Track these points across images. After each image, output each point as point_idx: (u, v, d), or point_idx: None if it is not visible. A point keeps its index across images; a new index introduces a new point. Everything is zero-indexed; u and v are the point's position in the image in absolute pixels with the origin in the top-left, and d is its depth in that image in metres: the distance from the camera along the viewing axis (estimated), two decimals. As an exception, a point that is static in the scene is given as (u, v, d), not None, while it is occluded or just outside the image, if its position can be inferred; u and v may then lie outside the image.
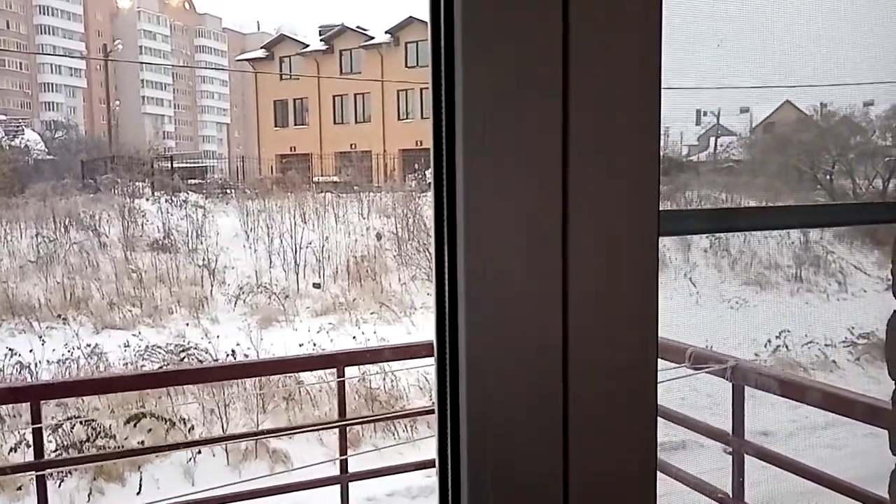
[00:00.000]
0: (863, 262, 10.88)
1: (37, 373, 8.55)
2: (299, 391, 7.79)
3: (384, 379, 7.94)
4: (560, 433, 0.65)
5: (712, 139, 14.09)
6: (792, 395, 2.58)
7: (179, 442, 6.44)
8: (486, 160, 0.62)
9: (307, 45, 29.28)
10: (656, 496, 0.72)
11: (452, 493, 0.67)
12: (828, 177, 11.59)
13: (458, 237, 0.63)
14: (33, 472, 5.90)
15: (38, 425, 2.43)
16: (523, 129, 0.62)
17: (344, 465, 3.26)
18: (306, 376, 7.80)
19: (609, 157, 0.63)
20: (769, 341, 8.16)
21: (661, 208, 0.65)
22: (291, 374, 7.85)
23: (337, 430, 6.99)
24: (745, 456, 2.65)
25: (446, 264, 0.64)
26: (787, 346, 8.26)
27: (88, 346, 9.44)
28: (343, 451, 3.22)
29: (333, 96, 28.22)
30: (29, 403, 2.46)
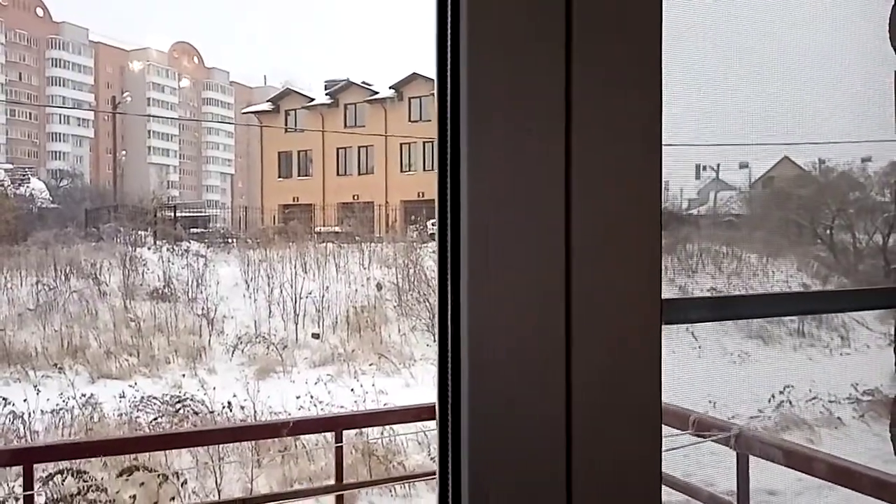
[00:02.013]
0: (865, 316, 10.82)
1: (30, 423, 8.42)
2: (295, 444, 7.65)
3: (382, 433, 7.81)
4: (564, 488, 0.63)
5: (712, 193, 14.20)
6: (796, 466, 2.52)
7: None
8: (487, 245, 0.61)
9: (313, 99, 29.83)
10: None
11: None
12: (827, 231, 11.63)
13: (461, 306, 0.62)
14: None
15: (30, 492, 2.35)
16: (527, 212, 0.62)
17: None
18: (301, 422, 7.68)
19: (613, 247, 0.63)
20: (773, 396, 8.05)
21: (664, 297, 0.64)
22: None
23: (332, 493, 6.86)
24: None
25: (449, 321, 0.63)
26: (790, 402, 8.15)
27: (83, 395, 9.33)
28: None
29: (337, 148, 28.60)
30: (22, 467, 2.38)
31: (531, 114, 0.62)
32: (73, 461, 6.95)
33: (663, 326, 0.64)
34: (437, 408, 0.66)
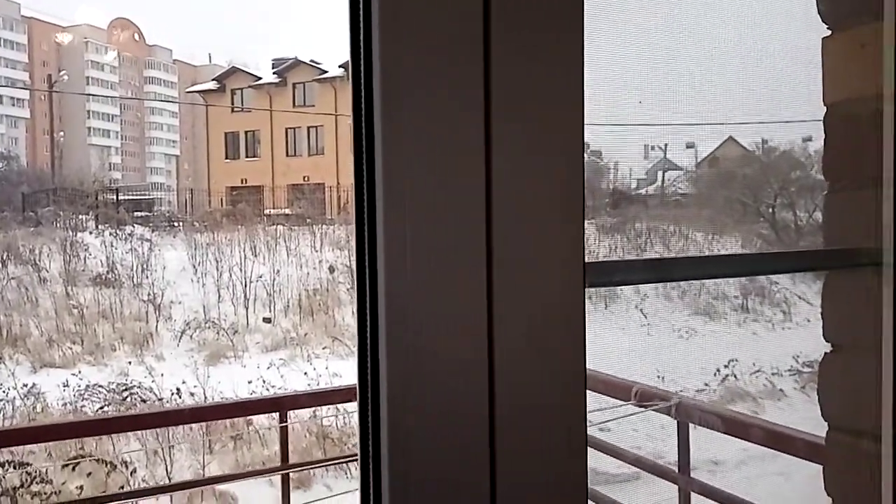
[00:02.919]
0: (806, 292, 11.22)
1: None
2: (248, 430, 7.56)
3: (336, 417, 7.77)
4: (487, 474, 0.62)
5: (660, 173, 14.46)
6: (734, 432, 2.60)
7: (120, 493, 6.15)
8: (404, 197, 0.59)
9: (260, 78, 29.19)
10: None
11: None
12: (770, 210, 11.99)
13: (378, 280, 0.60)
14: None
15: None
16: (445, 169, 0.60)
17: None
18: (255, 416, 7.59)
19: (534, 210, 0.62)
20: (718, 370, 8.30)
21: (587, 259, 0.64)
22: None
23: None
24: (692, 494, 2.65)
25: (367, 308, 0.61)
26: (735, 376, 8.41)
27: (25, 385, 9.02)
28: (286, 497, 3.09)
29: (286, 129, 28.10)
30: None
31: (448, 88, 0.60)
32: (15, 453, 6.73)
33: (590, 290, 0.64)
34: (357, 389, 0.65)
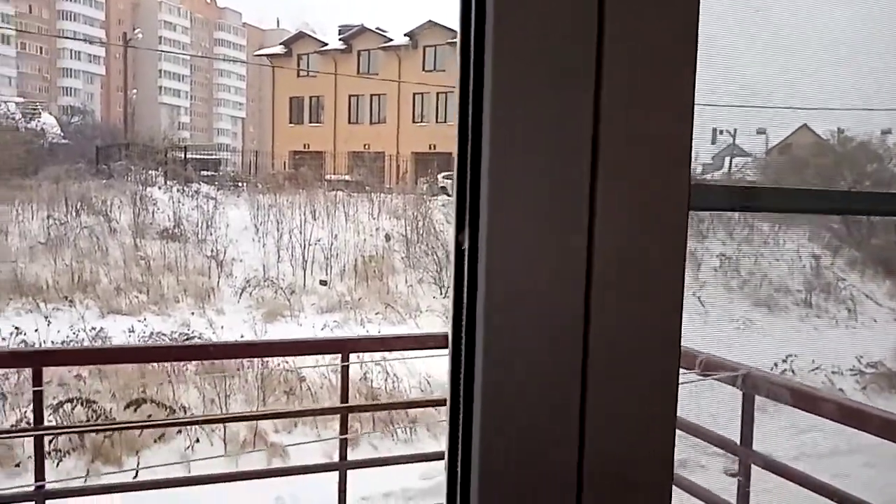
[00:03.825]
0: (875, 291, 10.80)
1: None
2: (300, 386, 7.77)
3: (385, 380, 7.91)
4: (577, 425, 0.63)
5: (727, 159, 14.03)
6: (804, 406, 2.54)
7: (180, 419, 6.47)
8: (512, 134, 0.60)
9: (326, 44, 29.39)
10: (672, 480, 0.69)
11: (462, 483, 0.65)
12: (842, 203, 11.48)
13: (480, 222, 0.61)
14: (32, 447, 5.91)
15: (39, 388, 2.43)
16: (554, 96, 0.60)
17: (344, 449, 3.22)
18: (308, 372, 7.79)
19: (641, 123, 0.61)
20: (776, 364, 8.09)
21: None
22: (292, 370, 7.86)
23: (334, 427, 6.97)
24: (752, 468, 2.61)
25: (466, 248, 0.62)
26: (793, 371, 8.19)
27: (93, 329, 9.47)
28: (343, 434, 3.17)
29: (349, 96, 28.30)
30: (31, 370, 2.47)
31: (560, 66, 0.60)
32: (82, 391, 7.10)
33: (690, 213, 0.63)
34: (451, 339, 0.65)
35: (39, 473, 2.83)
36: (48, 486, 2.73)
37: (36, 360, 2.53)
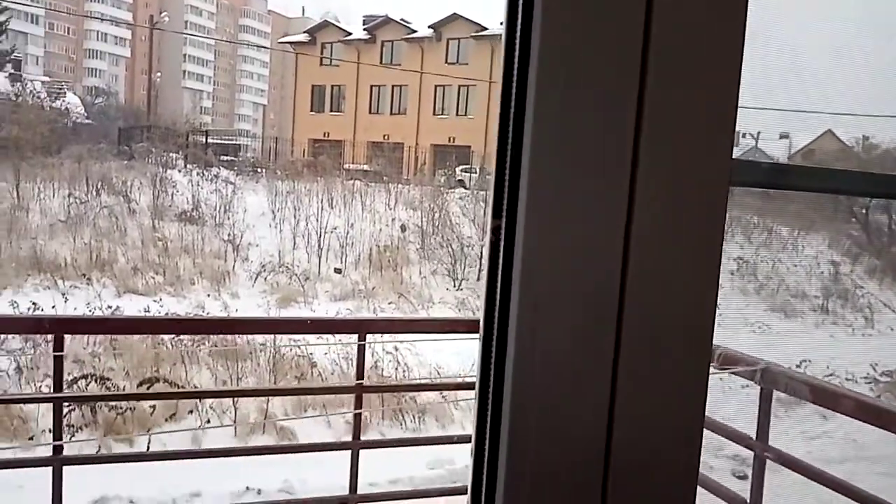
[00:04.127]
0: (893, 300, 10.67)
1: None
2: (311, 372, 7.82)
3: (396, 370, 7.93)
4: (607, 406, 0.63)
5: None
6: (823, 402, 2.50)
7: (198, 391, 6.59)
8: (555, 116, 0.59)
9: (350, 34, 29.44)
10: (697, 476, 0.69)
11: (489, 464, 0.64)
12: (864, 210, 11.38)
13: (518, 209, 0.60)
14: (46, 422, 5.99)
15: (60, 353, 2.48)
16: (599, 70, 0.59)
17: (357, 428, 3.23)
18: (319, 359, 7.83)
19: (686, 92, 0.61)
20: (789, 369, 8.02)
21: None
22: (304, 356, 7.90)
23: (343, 416, 7.01)
24: (767, 461, 2.58)
25: (503, 234, 0.62)
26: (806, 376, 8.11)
27: (109, 307, 9.57)
28: (358, 410, 3.18)
29: (371, 86, 28.33)
30: (52, 337, 2.53)
31: (605, 69, 0.60)
32: (97, 368, 7.19)
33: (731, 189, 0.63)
34: (482, 326, 0.65)
35: (57, 439, 2.88)
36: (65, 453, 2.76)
37: (58, 327, 2.58)
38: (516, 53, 0.61)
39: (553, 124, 0.59)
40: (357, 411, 3.00)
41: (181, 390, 6.58)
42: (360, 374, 2.87)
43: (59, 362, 2.60)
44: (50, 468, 2.74)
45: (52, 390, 2.83)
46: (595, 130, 0.60)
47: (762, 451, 2.63)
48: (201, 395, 6.74)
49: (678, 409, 0.66)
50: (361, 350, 2.89)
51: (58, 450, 2.83)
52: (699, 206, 0.62)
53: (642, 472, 0.65)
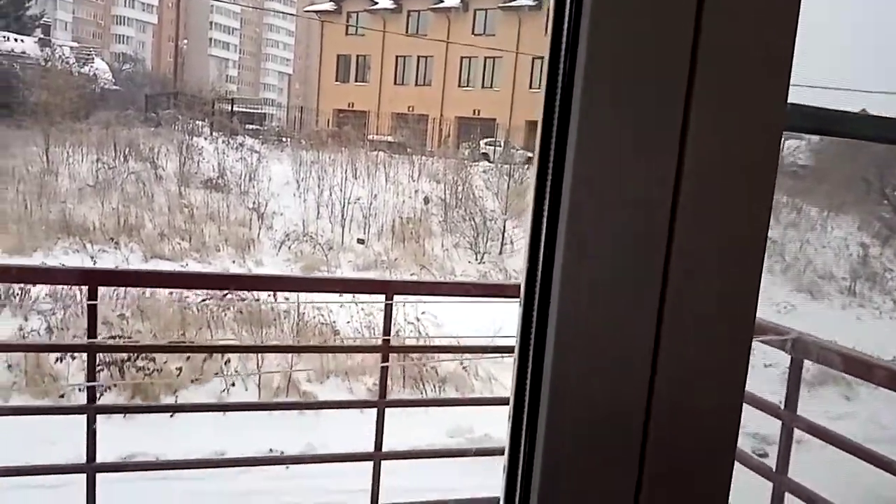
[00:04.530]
0: (923, 283, 10.50)
1: (85, 289, 8.84)
2: (333, 339, 7.90)
3: (417, 340, 7.98)
4: (648, 372, 0.62)
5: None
6: (855, 372, 2.48)
7: (231, 345, 6.82)
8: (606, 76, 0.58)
9: (376, 2, 29.15)
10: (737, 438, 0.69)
11: (528, 430, 0.65)
12: (896, 192, 11.15)
13: (564, 177, 0.60)
14: (76, 379, 6.15)
15: (94, 301, 2.55)
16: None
17: (383, 386, 3.28)
18: (342, 326, 7.91)
19: (741, 27, 0.59)
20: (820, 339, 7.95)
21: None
22: (328, 323, 7.98)
23: (365, 381, 7.09)
24: (794, 430, 2.57)
25: (549, 181, 0.61)
26: (831, 358, 8.04)
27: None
28: (385, 363, 3.22)
29: (396, 56, 28.11)
30: (87, 293, 2.61)
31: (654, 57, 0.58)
32: (125, 330, 7.33)
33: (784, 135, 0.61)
34: (522, 283, 0.65)
35: (90, 391, 2.96)
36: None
37: (91, 278, 2.65)
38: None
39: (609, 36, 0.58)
40: (384, 364, 3.03)
41: (209, 345, 6.74)
42: (387, 331, 2.91)
43: (92, 311, 2.67)
44: (84, 417, 2.82)
45: (86, 338, 2.92)
46: (649, 64, 0.59)
47: (790, 420, 2.62)
48: (233, 349, 6.95)
49: (720, 368, 0.65)
50: (388, 309, 2.91)
51: (91, 399, 2.92)
52: (752, 147, 0.60)
53: (682, 432, 0.65)
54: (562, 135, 0.60)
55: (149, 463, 4.04)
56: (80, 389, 6.46)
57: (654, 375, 0.62)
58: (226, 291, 9.21)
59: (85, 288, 8.93)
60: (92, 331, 2.71)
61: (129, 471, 4.24)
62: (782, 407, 2.67)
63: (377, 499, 3.11)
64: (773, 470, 2.52)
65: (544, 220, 0.62)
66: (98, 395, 6.28)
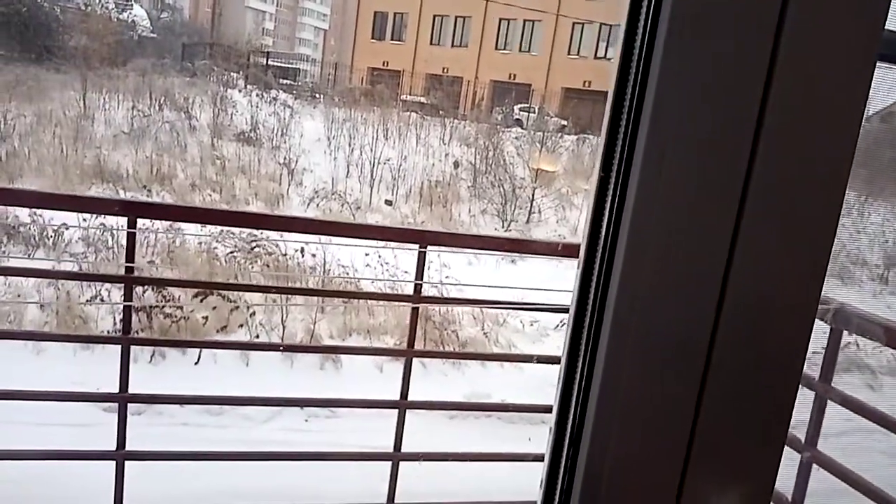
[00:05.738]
0: (959, 275, 10.23)
1: (117, 237, 8.98)
2: (358, 301, 7.96)
3: (439, 308, 8.02)
4: (712, 319, 0.61)
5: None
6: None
7: (258, 285, 7.07)
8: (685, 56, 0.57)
9: (416, -40, 28.71)
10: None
11: (581, 389, 0.64)
12: (941, 180, 10.81)
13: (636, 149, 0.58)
14: (105, 325, 6.28)
15: (134, 230, 2.60)
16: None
17: (412, 337, 3.31)
18: (366, 285, 7.97)
19: None
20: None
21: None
22: (352, 282, 8.05)
23: (386, 342, 7.15)
24: (828, 402, 2.55)
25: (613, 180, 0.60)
26: (857, 345, 7.92)
27: (168, 221, 9.84)
28: (414, 321, 3.24)
29: (434, 16, 27.74)
30: (126, 220, 2.66)
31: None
32: (153, 279, 7.46)
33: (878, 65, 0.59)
34: (583, 246, 0.64)
35: (126, 324, 3.04)
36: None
37: (129, 210, 2.71)
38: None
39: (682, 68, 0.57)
40: (415, 305, 3.04)
41: (240, 283, 6.93)
42: (419, 278, 2.92)
43: (131, 239, 2.73)
44: (118, 348, 2.91)
45: (124, 271, 2.99)
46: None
47: (824, 391, 2.61)
48: (260, 288, 7.14)
49: (790, 305, 0.64)
50: (422, 257, 2.91)
51: (126, 331, 3.01)
52: (842, 77, 0.58)
53: (746, 362, 0.64)
54: (644, 75, 0.59)
55: (177, 396, 4.18)
56: (107, 332, 6.65)
57: (721, 306, 0.61)
58: (253, 244, 9.33)
59: (119, 234, 9.10)
60: (130, 256, 2.78)
61: (158, 402, 4.43)
62: (816, 378, 2.66)
63: (400, 444, 3.18)
64: (802, 441, 2.51)
65: (614, 166, 0.61)
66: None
